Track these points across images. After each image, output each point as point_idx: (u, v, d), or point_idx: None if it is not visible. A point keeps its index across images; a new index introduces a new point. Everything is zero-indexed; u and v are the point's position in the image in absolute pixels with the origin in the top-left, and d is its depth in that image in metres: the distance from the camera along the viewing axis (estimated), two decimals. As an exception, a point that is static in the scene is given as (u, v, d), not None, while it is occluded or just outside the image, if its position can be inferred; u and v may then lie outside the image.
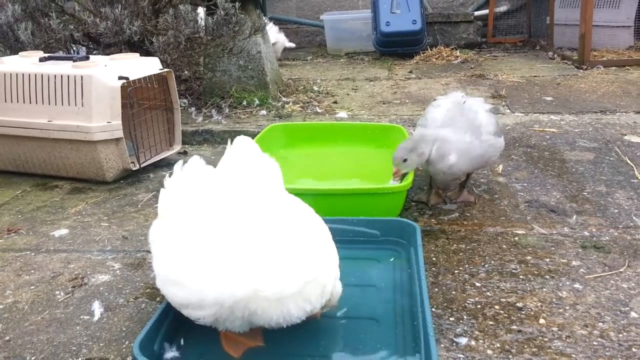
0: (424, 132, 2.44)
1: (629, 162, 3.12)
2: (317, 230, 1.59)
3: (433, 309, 1.86)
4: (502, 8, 7.62)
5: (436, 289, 1.99)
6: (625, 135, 3.56)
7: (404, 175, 2.40)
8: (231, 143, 1.60)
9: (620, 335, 1.72)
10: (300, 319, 1.53)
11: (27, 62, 3.22)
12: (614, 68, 5.57)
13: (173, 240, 1.60)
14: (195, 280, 1.48)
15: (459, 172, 2.52)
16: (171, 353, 1.60)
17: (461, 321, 1.81)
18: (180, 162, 1.85)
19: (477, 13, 7.37)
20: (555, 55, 6.28)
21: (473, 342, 1.70)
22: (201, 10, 4.27)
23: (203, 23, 3.97)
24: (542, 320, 1.80)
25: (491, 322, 1.80)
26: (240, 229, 1.48)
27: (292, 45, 7.11)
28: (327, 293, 1.56)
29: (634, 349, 1.65)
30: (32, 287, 2.11)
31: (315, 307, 1.54)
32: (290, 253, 1.47)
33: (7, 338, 1.81)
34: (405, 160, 2.38)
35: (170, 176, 1.85)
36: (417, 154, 2.38)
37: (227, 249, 1.47)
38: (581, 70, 5.54)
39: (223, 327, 1.56)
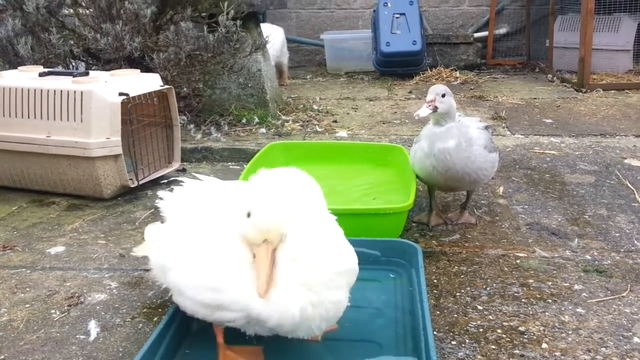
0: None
1: (629, 185, 3.11)
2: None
3: (435, 332, 1.83)
4: (502, 30, 7.65)
5: (438, 312, 1.97)
6: (626, 158, 3.56)
7: (435, 109, 2.38)
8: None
9: (625, 361, 1.69)
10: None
11: (27, 77, 3.20)
12: (613, 91, 5.58)
13: (205, 247, 1.60)
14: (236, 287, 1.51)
15: (453, 168, 2.45)
16: (168, 375, 1.57)
17: (463, 345, 1.78)
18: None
19: (476, 35, 7.40)
20: (555, 78, 6.30)
21: (475, 367, 1.68)
22: None
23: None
24: (544, 345, 1.77)
25: (493, 346, 1.77)
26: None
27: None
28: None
29: (639, 376, 1.63)
30: (28, 305, 2.07)
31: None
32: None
33: (2, 357, 1.77)
34: (444, 96, 2.37)
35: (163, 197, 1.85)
36: (451, 104, 2.40)
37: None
38: (580, 93, 5.55)
39: (252, 332, 1.57)
